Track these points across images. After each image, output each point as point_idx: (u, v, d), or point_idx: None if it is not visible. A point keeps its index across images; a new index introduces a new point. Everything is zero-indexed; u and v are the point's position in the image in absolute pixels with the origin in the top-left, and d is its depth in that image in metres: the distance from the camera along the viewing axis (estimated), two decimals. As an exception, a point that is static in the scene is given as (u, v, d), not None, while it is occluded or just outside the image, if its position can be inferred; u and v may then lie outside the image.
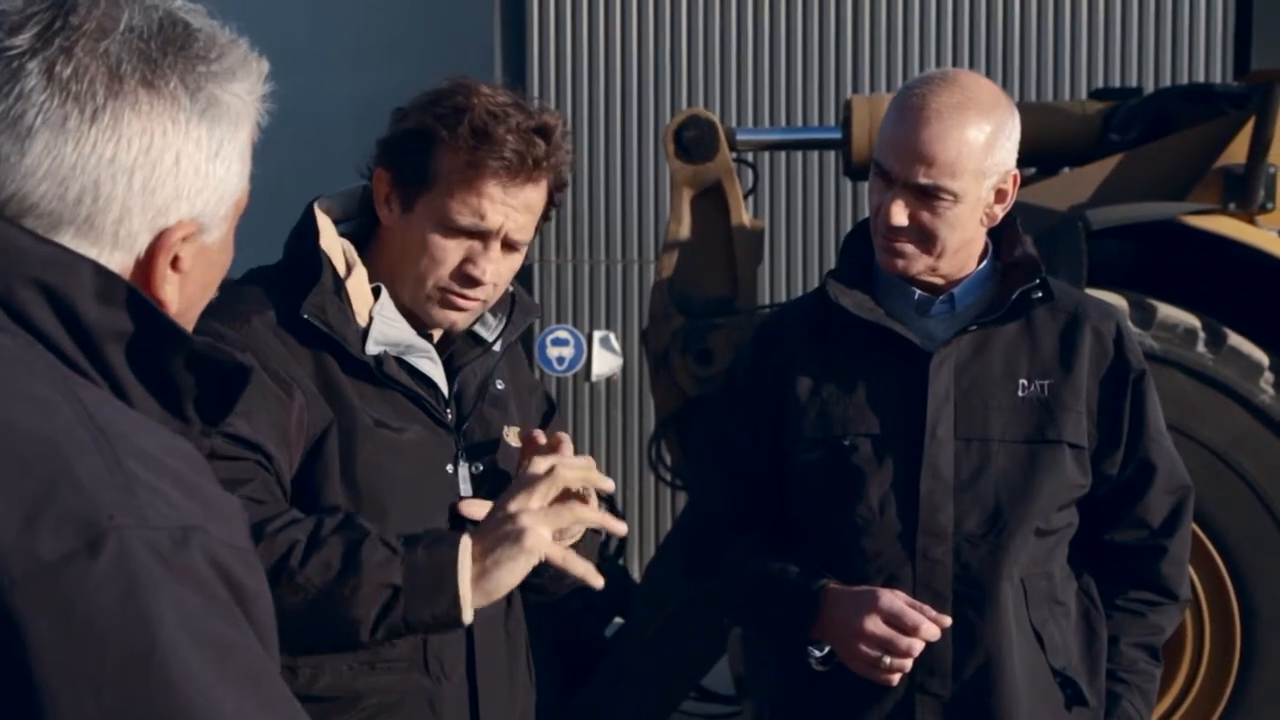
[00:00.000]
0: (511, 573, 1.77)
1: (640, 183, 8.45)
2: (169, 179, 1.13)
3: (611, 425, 8.45)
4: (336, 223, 2.08)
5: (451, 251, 1.97)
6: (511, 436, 2.08)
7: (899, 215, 2.27)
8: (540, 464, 1.83)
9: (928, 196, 2.27)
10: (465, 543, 1.78)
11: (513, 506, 1.78)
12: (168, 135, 1.13)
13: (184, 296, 1.17)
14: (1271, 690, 4.13)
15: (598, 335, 7.47)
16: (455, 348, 2.09)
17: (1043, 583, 2.37)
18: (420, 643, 1.96)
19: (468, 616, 1.78)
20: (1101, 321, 2.41)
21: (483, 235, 1.96)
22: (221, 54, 1.17)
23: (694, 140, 4.92)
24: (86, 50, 1.10)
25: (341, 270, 2.02)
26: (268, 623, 1.04)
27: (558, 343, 7.48)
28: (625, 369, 8.16)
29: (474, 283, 1.97)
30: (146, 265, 1.14)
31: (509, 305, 2.13)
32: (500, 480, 2.02)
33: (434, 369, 2.04)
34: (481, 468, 2.02)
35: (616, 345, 7.76)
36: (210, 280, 1.21)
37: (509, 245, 1.99)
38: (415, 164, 1.98)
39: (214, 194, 1.16)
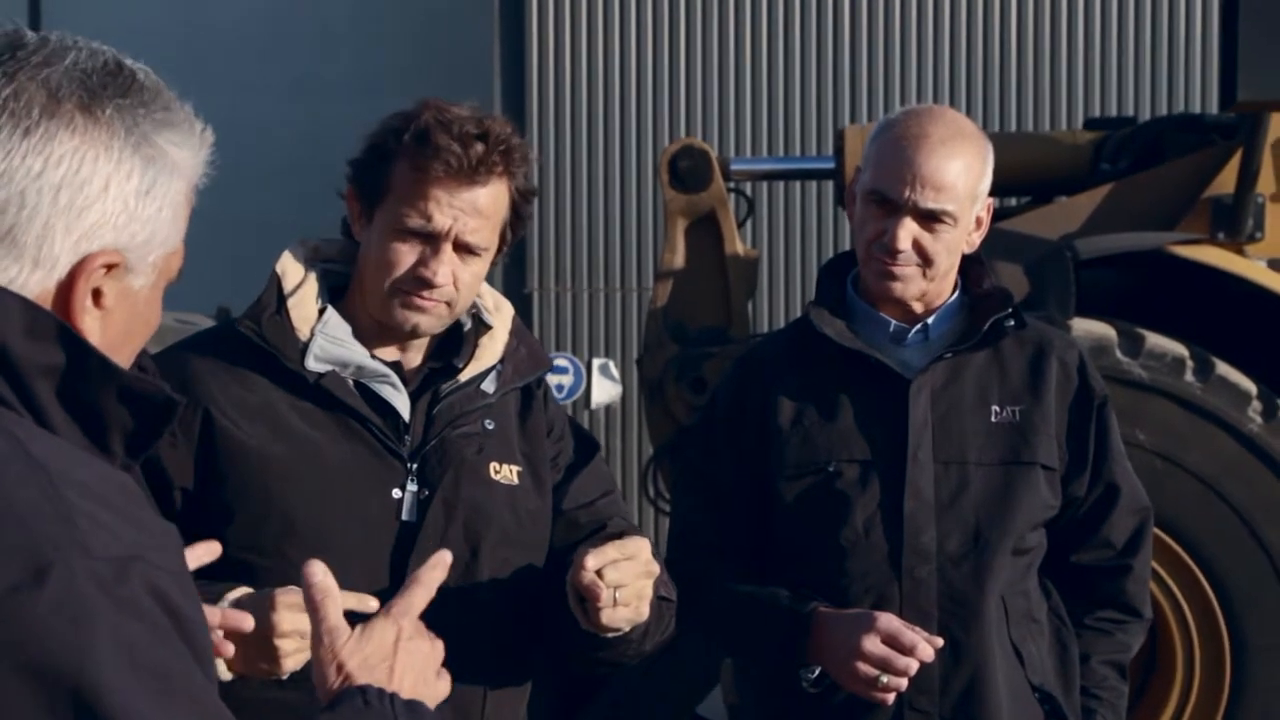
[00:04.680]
0: (262, 675, 1.83)
1: (639, 211, 8.49)
2: (96, 204, 1.14)
3: (611, 452, 8.47)
4: (329, 261, 2.13)
5: (404, 255, 2.01)
6: (504, 474, 2.09)
7: (905, 240, 2.35)
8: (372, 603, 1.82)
9: (931, 220, 2.36)
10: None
11: (284, 598, 1.82)
12: (99, 161, 1.14)
13: (105, 337, 1.17)
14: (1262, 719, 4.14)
15: (597, 363, 7.48)
16: (427, 376, 2.10)
17: (1021, 601, 2.45)
18: None
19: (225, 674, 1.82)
20: (1065, 351, 2.50)
21: (432, 238, 2.01)
22: (165, 106, 1.19)
23: (688, 170, 4.96)
24: (29, 76, 1.14)
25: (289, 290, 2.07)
26: (204, 646, 1.06)
27: (557, 370, 7.51)
28: (625, 396, 8.18)
29: (426, 284, 2.01)
30: (67, 290, 1.15)
31: (468, 342, 2.12)
32: (459, 509, 2.03)
33: (395, 395, 2.06)
34: (428, 493, 2.03)
35: (616, 372, 7.76)
36: (134, 330, 1.21)
37: (464, 249, 2.03)
38: (373, 177, 2.05)
39: (142, 230, 1.17)
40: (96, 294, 1.16)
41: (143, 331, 1.23)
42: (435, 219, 2.00)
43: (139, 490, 1.11)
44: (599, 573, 1.91)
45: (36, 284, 1.13)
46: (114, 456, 1.15)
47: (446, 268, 2.01)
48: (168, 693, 0.99)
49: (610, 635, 2.00)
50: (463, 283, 2.04)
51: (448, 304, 2.04)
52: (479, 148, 1.99)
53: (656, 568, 1.98)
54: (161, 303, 1.24)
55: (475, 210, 2.01)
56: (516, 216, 2.08)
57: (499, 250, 2.10)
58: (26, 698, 0.95)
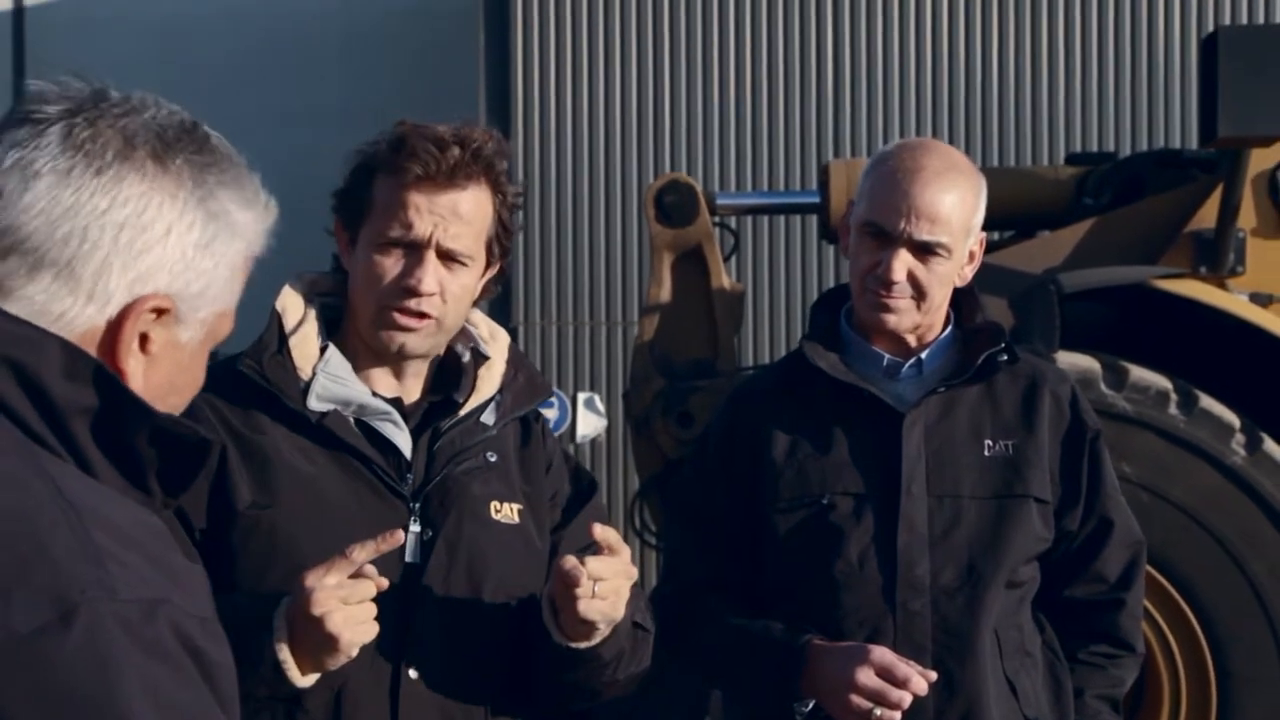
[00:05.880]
0: (336, 663, 1.82)
1: (624, 245, 8.52)
2: (155, 247, 1.18)
3: (597, 486, 8.46)
4: (325, 295, 2.10)
5: (389, 268, 1.98)
6: (505, 512, 2.07)
7: (900, 271, 2.37)
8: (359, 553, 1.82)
9: (925, 252, 2.37)
10: (282, 611, 1.81)
11: (309, 581, 1.80)
12: (163, 207, 1.18)
13: (149, 384, 1.19)
14: (1248, 749, 4.15)
15: (582, 397, 7.48)
16: (428, 411, 2.08)
17: (1014, 634, 2.45)
18: (333, 707, 1.93)
19: (299, 681, 1.82)
20: (1058, 385, 2.52)
21: (414, 246, 1.98)
22: (235, 172, 1.24)
23: (674, 204, 4.99)
24: (108, 124, 1.19)
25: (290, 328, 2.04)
26: (229, 689, 1.07)
27: (543, 404, 7.50)
28: (610, 430, 8.18)
29: (412, 293, 1.97)
30: (115, 328, 1.17)
31: (467, 374, 2.10)
32: (462, 549, 2.02)
33: (397, 433, 2.03)
34: (431, 533, 2.01)
35: (601, 407, 7.76)
36: (179, 383, 1.23)
37: (448, 257, 1.99)
38: (355, 198, 2.03)
39: (196, 281, 1.20)
40: (144, 339, 1.18)
41: (189, 387, 1.25)
42: (416, 226, 1.97)
43: (168, 533, 1.12)
44: (581, 564, 1.90)
45: (87, 320, 1.16)
46: (153, 496, 1.17)
47: (432, 275, 1.97)
48: None
49: (583, 647, 1.98)
50: (451, 294, 1.99)
51: (436, 319, 2.00)
52: (455, 151, 1.96)
53: (635, 572, 1.96)
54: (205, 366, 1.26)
55: (456, 215, 1.98)
56: (503, 228, 2.04)
57: (488, 266, 2.05)
58: None
